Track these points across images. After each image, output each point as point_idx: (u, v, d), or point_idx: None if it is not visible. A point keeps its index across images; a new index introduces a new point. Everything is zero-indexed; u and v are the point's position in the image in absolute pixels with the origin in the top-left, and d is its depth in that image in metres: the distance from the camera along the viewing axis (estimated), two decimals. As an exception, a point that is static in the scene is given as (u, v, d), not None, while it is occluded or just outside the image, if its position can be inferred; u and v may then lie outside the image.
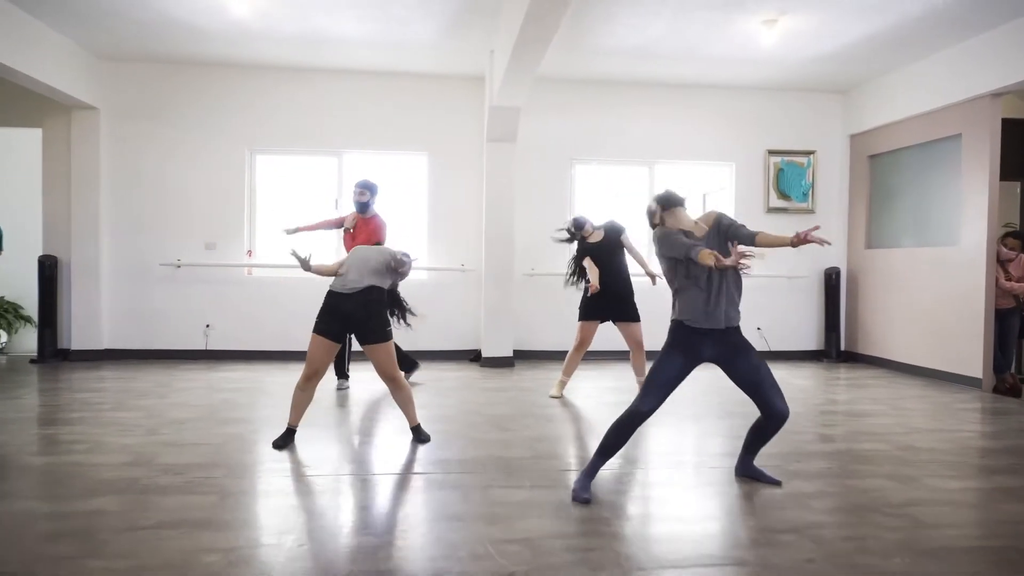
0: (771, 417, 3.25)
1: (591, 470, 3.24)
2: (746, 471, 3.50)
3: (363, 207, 5.64)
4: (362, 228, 5.63)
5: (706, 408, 5.20)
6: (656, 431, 4.48)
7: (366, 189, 5.65)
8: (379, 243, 5.41)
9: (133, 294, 7.25)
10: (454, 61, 7.05)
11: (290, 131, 7.41)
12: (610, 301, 5.43)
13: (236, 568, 2.38)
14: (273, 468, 3.56)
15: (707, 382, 6.02)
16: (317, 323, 4.01)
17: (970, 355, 6.26)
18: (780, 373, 6.41)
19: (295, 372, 6.52)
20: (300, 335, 7.40)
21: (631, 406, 3.17)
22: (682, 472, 3.66)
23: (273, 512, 2.97)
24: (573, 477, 3.49)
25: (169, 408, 4.88)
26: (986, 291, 6.13)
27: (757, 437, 3.40)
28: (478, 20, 5.95)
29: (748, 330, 7.43)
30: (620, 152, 7.80)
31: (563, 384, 5.63)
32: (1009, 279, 6.20)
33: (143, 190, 7.25)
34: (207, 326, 7.29)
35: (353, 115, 7.47)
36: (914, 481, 3.48)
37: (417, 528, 2.81)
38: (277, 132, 7.40)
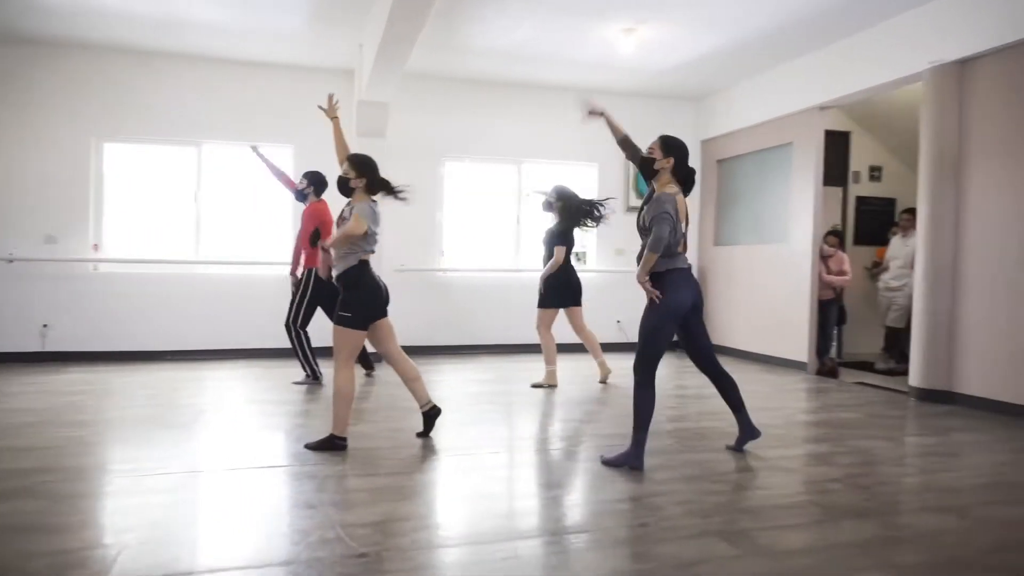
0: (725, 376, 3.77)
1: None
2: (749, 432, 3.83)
3: (299, 195, 5.85)
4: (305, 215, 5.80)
5: (561, 397, 5.45)
6: (516, 419, 4.66)
7: (303, 178, 5.81)
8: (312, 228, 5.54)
9: (-45, 292, 6.57)
10: (322, 53, 6.93)
11: (143, 119, 6.97)
12: (569, 288, 5.74)
13: (69, 571, 2.27)
14: (118, 469, 3.40)
15: (570, 374, 6.30)
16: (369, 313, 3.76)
17: (798, 342, 6.96)
18: (625, 363, 6.84)
19: (143, 372, 6.20)
20: (151, 332, 7.02)
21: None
22: (531, 454, 3.84)
23: (114, 513, 2.84)
24: (431, 463, 3.59)
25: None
26: (811, 284, 6.84)
27: (731, 398, 3.79)
28: (346, 14, 5.90)
29: (609, 323, 7.87)
30: (490, 151, 7.98)
31: (552, 373, 5.78)
32: (830, 273, 6.96)
33: (-33, 177, 6.58)
34: (44, 326, 6.73)
35: (214, 104, 7.15)
36: (741, 452, 3.85)
37: (267, 518, 2.79)
38: (128, 120, 6.94)
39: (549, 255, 5.72)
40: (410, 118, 7.57)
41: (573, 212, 5.68)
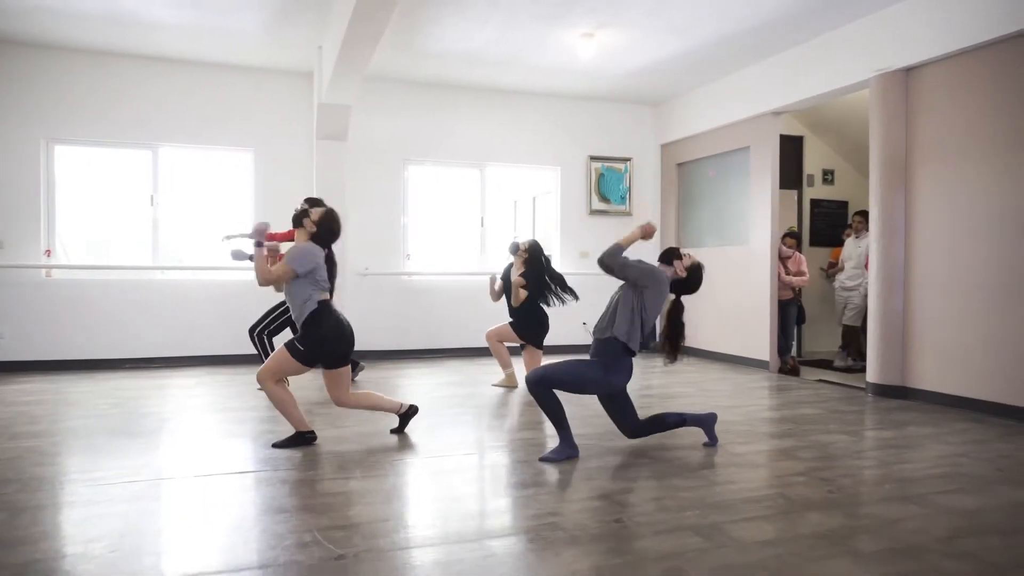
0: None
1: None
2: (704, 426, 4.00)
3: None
4: None
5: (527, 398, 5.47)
6: (488, 421, 4.67)
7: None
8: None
9: None
10: (280, 55, 6.86)
11: (96, 121, 6.79)
12: (533, 327, 5.73)
13: (34, 581, 2.21)
14: (79, 479, 3.30)
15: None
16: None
17: (760, 341, 7.13)
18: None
19: (102, 381, 6.04)
20: (109, 340, 6.83)
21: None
22: (506, 455, 3.86)
23: (79, 523, 2.76)
24: (404, 466, 3.58)
25: (-53, 425, 4.32)
26: (771, 284, 7.01)
27: (670, 421, 3.96)
28: (304, 15, 5.85)
29: (575, 325, 7.93)
30: (452, 154, 7.98)
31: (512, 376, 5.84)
32: (788, 274, 7.14)
33: (-91, 181, 6.32)
34: (-5, 335, 6.49)
35: (170, 107, 7.01)
36: (710, 449, 3.93)
37: (241, 524, 2.75)
38: (80, 121, 6.75)
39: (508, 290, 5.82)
40: (372, 121, 7.53)
41: (535, 276, 5.67)
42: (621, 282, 3.85)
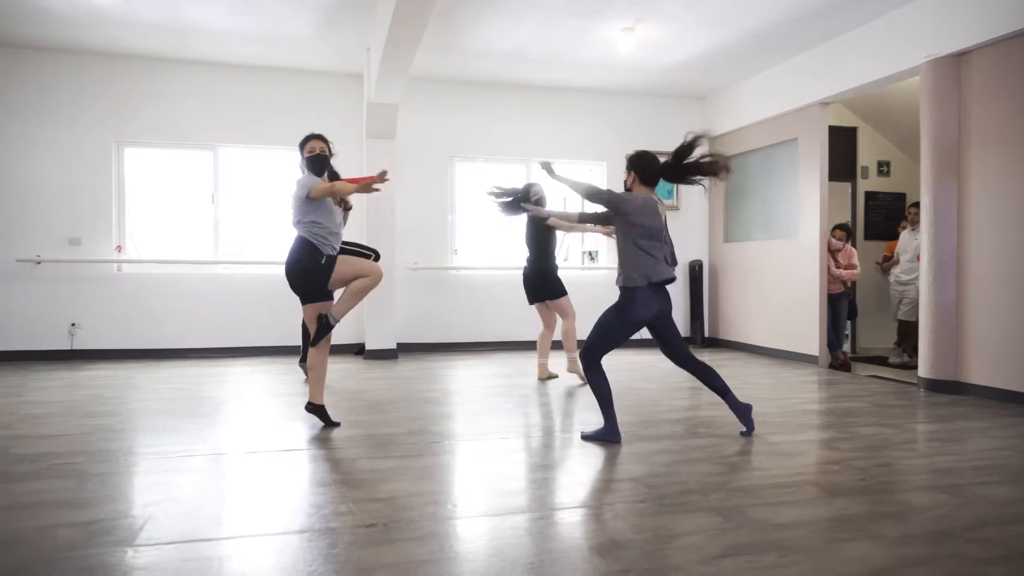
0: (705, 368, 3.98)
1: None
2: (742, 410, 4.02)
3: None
4: None
5: (570, 387, 5.56)
6: (527, 409, 4.78)
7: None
8: None
9: (-14, 293, 6.83)
10: (331, 58, 7.12)
11: (161, 124, 7.21)
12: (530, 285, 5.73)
13: (96, 537, 2.43)
14: (140, 452, 3.56)
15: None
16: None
17: (809, 336, 7.01)
18: (648, 358, 6.94)
19: (166, 368, 6.41)
20: (174, 331, 7.23)
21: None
22: (541, 440, 3.96)
23: (139, 489, 3.00)
24: (442, 447, 3.72)
25: (23, 405, 4.70)
26: (820, 278, 6.89)
27: (714, 386, 3.98)
28: (352, 18, 6.08)
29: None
30: (498, 150, 8.12)
31: (543, 367, 5.86)
32: (838, 267, 7.00)
33: (-3, 182, 6.84)
34: (72, 325, 6.97)
35: (228, 109, 7.37)
36: (744, 438, 3.94)
37: (283, 495, 2.94)
38: (147, 125, 7.18)
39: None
40: (420, 119, 7.74)
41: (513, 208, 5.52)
42: None
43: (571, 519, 2.67)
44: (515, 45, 6.68)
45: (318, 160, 4.09)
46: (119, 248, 7.19)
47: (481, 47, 6.75)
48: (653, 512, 2.74)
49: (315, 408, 4.08)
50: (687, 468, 3.35)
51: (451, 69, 7.46)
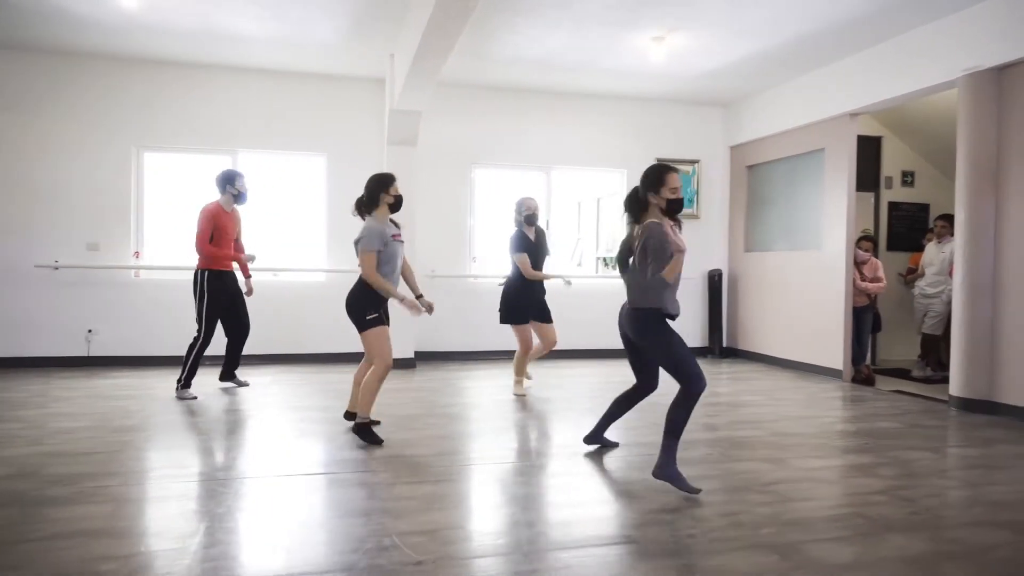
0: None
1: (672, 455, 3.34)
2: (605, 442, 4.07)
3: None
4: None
5: (598, 403, 5.48)
6: (553, 426, 4.70)
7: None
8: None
9: (3, 297, 6.77)
10: (354, 63, 7.04)
11: (181, 128, 7.14)
12: (535, 302, 5.63)
13: (137, 574, 2.36)
14: (172, 474, 3.50)
15: (601, 376, 6.33)
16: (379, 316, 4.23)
17: (832, 349, 6.91)
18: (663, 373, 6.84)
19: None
20: (190, 338, 7.13)
21: (692, 388, 3.34)
22: (575, 463, 3.88)
23: (174, 518, 2.93)
24: (475, 471, 3.65)
25: (51, 418, 4.64)
26: (845, 290, 6.79)
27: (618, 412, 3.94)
28: (378, 24, 6.00)
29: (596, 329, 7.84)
30: (519, 157, 8.03)
31: (520, 383, 5.76)
32: (864, 279, 6.90)
33: (16, 187, 6.77)
34: (89, 331, 6.91)
35: (248, 114, 7.30)
36: (783, 462, 3.86)
37: (324, 525, 2.87)
38: (167, 129, 7.11)
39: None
40: (440, 125, 7.66)
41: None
42: None
43: (621, 557, 2.59)
44: (545, 53, 6.60)
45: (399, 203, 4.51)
46: (137, 254, 7.13)
47: (509, 54, 6.67)
48: (705, 549, 2.66)
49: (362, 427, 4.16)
50: (731, 497, 3.27)
51: (476, 75, 7.38)
